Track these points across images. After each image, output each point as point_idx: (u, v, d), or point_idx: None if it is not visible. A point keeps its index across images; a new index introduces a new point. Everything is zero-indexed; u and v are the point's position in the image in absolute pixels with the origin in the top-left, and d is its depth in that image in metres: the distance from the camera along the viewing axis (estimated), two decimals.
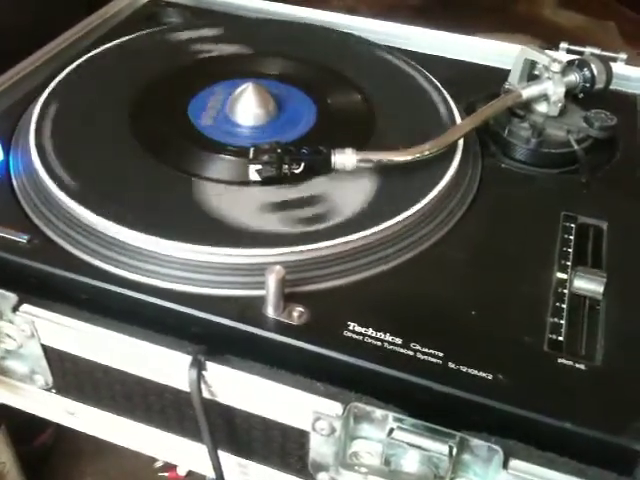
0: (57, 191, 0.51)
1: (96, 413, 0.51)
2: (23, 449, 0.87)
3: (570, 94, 0.61)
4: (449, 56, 0.75)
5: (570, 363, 0.43)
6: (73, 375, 0.49)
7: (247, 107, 0.59)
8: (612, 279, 0.48)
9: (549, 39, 0.78)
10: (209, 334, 0.45)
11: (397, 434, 0.39)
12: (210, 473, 0.47)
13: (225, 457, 0.47)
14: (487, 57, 0.75)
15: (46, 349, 0.48)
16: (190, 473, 0.96)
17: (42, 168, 0.53)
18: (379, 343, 0.43)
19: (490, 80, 0.66)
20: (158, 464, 0.95)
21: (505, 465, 0.38)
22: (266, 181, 0.52)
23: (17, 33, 0.71)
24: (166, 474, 0.96)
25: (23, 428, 0.86)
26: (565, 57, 0.67)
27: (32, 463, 0.91)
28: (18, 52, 0.69)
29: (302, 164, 0.51)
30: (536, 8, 1.98)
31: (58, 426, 0.97)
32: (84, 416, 0.52)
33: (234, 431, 0.46)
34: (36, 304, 0.46)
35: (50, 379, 0.50)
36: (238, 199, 0.52)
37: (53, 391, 0.51)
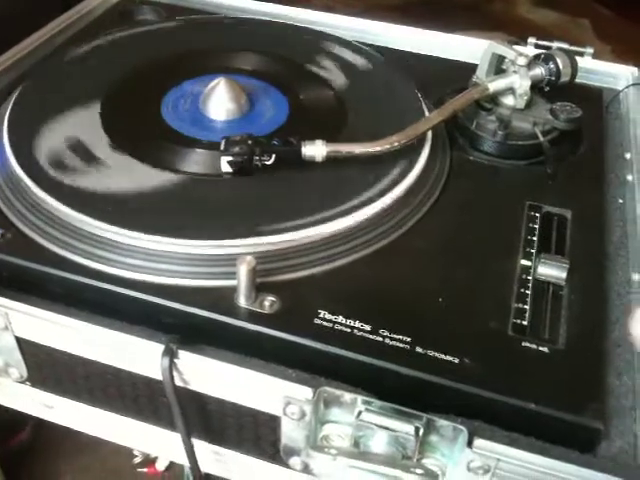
0: (30, 185, 0.51)
1: (73, 405, 0.51)
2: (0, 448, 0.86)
3: (536, 87, 0.62)
4: (419, 52, 0.77)
5: (534, 346, 0.44)
6: (48, 367, 0.49)
7: (219, 102, 0.59)
8: (575, 265, 0.49)
9: (524, 36, 0.79)
10: (183, 324, 0.46)
11: (365, 416, 0.40)
12: (187, 462, 0.47)
13: (199, 445, 0.48)
14: (457, 53, 0.76)
15: (20, 341, 0.48)
16: (169, 467, 0.96)
17: (15, 162, 0.53)
18: (349, 330, 0.44)
19: (459, 75, 0.67)
20: (137, 460, 0.95)
21: (470, 444, 0.39)
22: (238, 172, 0.52)
23: None
24: (145, 469, 0.96)
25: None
26: (532, 51, 0.68)
27: (10, 462, 0.90)
28: None
29: (273, 155, 0.52)
30: (511, 6, 2.01)
31: (36, 424, 0.97)
32: (61, 409, 0.52)
33: (208, 419, 0.47)
34: (9, 297, 0.47)
35: (25, 372, 0.50)
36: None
37: (28, 384, 0.51)
